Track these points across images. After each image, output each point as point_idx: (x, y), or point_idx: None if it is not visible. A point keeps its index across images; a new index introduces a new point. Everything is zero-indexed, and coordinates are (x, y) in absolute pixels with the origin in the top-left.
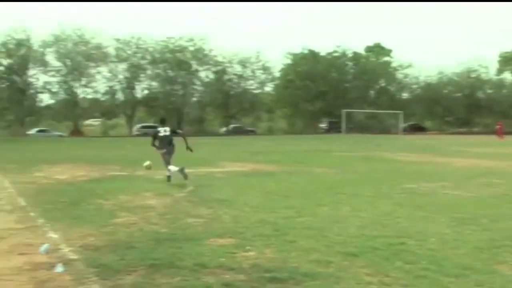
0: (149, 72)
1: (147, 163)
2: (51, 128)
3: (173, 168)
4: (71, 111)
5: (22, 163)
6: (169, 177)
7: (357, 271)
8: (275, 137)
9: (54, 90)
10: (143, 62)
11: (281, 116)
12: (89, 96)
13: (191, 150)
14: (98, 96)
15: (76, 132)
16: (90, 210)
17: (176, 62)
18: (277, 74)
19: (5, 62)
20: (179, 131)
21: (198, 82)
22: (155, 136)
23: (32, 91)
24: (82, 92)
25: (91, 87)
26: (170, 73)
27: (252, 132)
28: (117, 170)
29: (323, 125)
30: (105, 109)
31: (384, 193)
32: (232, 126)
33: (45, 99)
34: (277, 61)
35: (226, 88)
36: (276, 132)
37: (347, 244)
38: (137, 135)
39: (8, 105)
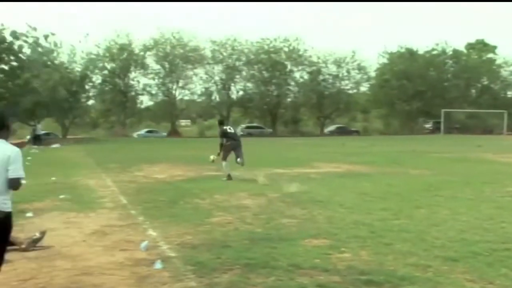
0: (244, 73)
1: (212, 156)
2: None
3: (240, 160)
4: (168, 112)
5: (123, 162)
6: (241, 163)
7: (457, 277)
8: (370, 138)
9: (153, 92)
10: (238, 63)
11: (377, 117)
12: (186, 98)
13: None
14: (195, 97)
15: (174, 132)
16: (187, 209)
17: (271, 63)
18: (373, 74)
19: (109, 66)
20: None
21: (292, 83)
22: (224, 135)
23: (132, 93)
24: (179, 94)
25: (188, 89)
26: (265, 74)
27: (356, 133)
28: (213, 170)
29: (428, 125)
30: (201, 110)
31: (486, 196)
32: (335, 126)
33: (145, 101)
34: (373, 61)
35: (321, 89)
36: (371, 133)
37: (447, 248)
38: (241, 135)
39: (111, 107)
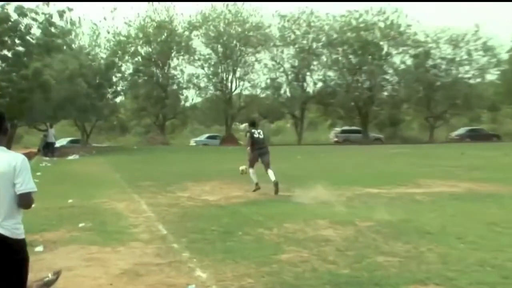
0: (324, 58)
1: (242, 167)
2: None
3: (271, 173)
4: (222, 111)
5: (161, 179)
6: (276, 183)
7: None
8: (503, 144)
9: (201, 84)
10: (316, 45)
11: (511, 115)
12: (246, 92)
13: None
14: (257, 91)
15: (229, 139)
16: (247, 242)
17: (361, 44)
18: (504, 56)
19: (143, 50)
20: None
21: (390, 71)
22: (252, 137)
23: (174, 86)
24: (237, 87)
25: (248, 80)
26: (352, 59)
27: (495, 138)
28: (283, 189)
29: None
30: (266, 108)
31: None
32: (466, 129)
33: (190, 97)
34: (504, 39)
35: (430, 78)
36: (504, 138)
37: None
38: (336, 142)
39: (145, 105)
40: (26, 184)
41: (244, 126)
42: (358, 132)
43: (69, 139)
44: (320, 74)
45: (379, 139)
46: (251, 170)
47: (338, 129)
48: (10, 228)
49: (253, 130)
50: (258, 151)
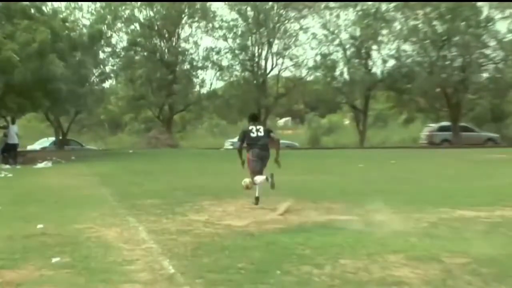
0: (397, 25)
1: (245, 181)
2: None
3: (260, 178)
4: (253, 101)
5: (167, 196)
6: (257, 199)
7: None
8: None
9: (223, 63)
10: (386, 7)
11: None
12: (286, 74)
13: (278, 165)
14: (302, 73)
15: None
16: (288, 286)
17: (451, 4)
18: None
19: (141, 15)
20: (274, 134)
21: (492, 43)
22: (244, 136)
23: (186, 65)
24: (273, 66)
25: (290, 57)
26: (438, 26)
27: None
28: (337, 210)
29: None
30: (315, 97)
31: None
32: None
33: (208, 80)
34: None
35: None
36: None
37: None
38: (430, 144)
39: (144, 92)
40: None
41: (284, 121)
42: (469, 130)
43: (51, 139)
44: (391, 48)
45: (492, 139)
46: (257, 177)
47: (433, 125)
48: None
49: (250, 127)
50: (256, 152)
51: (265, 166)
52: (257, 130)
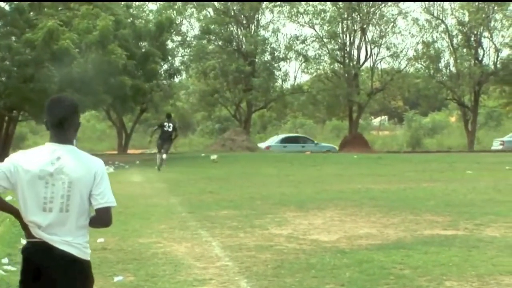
0: None
1: (213, 157)
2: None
3: (165, 156)
4: (345, 97)
5: (245, 207)
6: (160, 165)
7: None
8: None
9: (310, 53)
10: None
11: None
12: (382, 65)
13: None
14: (401, 65)
15: (355, 141)
16: None
17: None
18: None
19: None
20: (176, 132)
21: None
22: (160, 127)
23: (266, 57)
24: (367, 57)
25: (387, 46)
26: None
27: None
28: (441, 224)
29: None
30: (416, 92)
31: None
32: None
33: (292, 73)
34: None
35: None
36: None
37: None
38: None
39: (219, 86)
40: (107, 196)
41: (379, 120)
42: None
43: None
44: (506, 36)
45: None
46: (158, 155)
47: None
48: (81, 247)
49: (164, 123)
50: (162, 140)
51: (167, 148)
52: (168, 127)
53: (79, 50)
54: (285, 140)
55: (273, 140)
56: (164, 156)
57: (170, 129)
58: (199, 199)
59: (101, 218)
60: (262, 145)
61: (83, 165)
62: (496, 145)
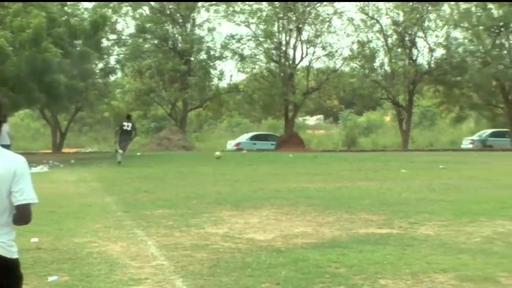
0: (446, 9)
1: (217, 153)
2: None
3: (121, 152)
4: (280, 96)
5: (181, 206)
6: (119, 162)
7: None
8: None
9: (246, 52)
10: None
11: None
12: (318, 65)
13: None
14: (337, 64)
15: (290, 139)
16: None
17: None
18: None
19: None
20: (134, 131)
21: None
22: (121, 127)
23: (202, 54)
24: (302, 56)
25: (322, 45)
26: (494, 10)
27: None
28: (376, 223)
29: None
30: (352, 91)
31: None
32: None
33: (227, 73)
34: None
35: None
36: None
37: None
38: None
39: (154, 86)
40: (27, 193)
41: (315, 120)
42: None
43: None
44: (440, 36)
45: None
46: (120, 151)
47: (488, 131)
48: (6, 246)
49: (124, 123)
50: (122, 137)
51: (126, 145)
52: (127, 126)
53: (12, 48)
54: (255, 138)
55: (243, 138)
56: (121, 152)
57: (129, 128)
58: (134, 198)
59: (20, 215)
60: (232, 142)
61: (3, 163)
62: (466, 143)
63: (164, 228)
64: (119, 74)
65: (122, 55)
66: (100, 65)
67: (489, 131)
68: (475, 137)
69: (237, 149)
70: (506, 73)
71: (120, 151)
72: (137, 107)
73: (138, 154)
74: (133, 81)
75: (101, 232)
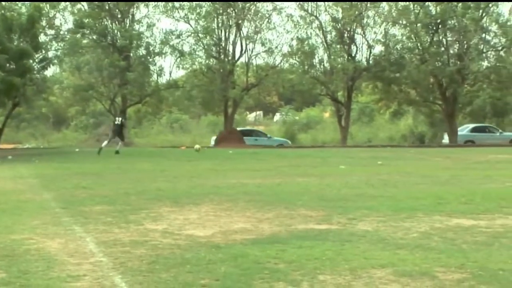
0: (384, 6)
1: (197, 146)
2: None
3: (105, 144)
4: (219, 92)
5: (120, 202)
6: (100, 149)
7: None
8: None
9: (186, 48)
10: None
11: None
12: (258, 61)
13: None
14: (276, 61)
15: (229, 136)
16: None
17: None
18: None
19: None
20: (124, 127)
21: (493, 27)
22: (113, 122)
23: (141, 50)
24: (242, 53)
25: (262, 42)
26: (432, 7)
27: None
28: (315, 219)
29: None
30: (291, 87)
31: None
32: None
33: (167, 69)
34: None
35: None
36: None
37: None
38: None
39: (93, 81)
40: None
41: (255, 116)
42: (489, 131)
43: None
44: (378, 32)
45: None
46: (105, 142)
47: (470, 125)
48: None
49: (116, 118)
50: (113, 132)
51: (117, 139)
52: (118, 120)
53: None
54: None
55: None
56: (120, 144)
57: (119, 122)
58: (73, 194)
59: None
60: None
61: None
62: (448, 138)
63: (102, 224)
64: (57, 69)
65: (60, 50)
66: (38, 60)
67: (471, 126)
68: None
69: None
70: (444, 70)
71: (120, 143)
72: (75, 102)
73: (77, 150)
74: (72, 76)
75: (39, 229)
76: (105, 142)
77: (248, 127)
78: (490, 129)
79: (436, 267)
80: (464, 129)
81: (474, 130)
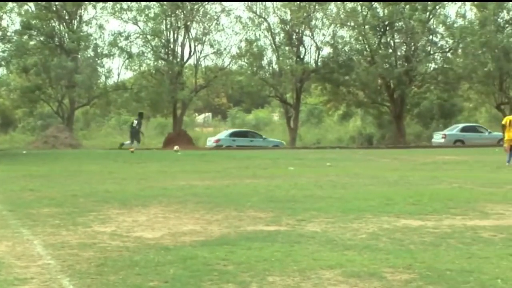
0: (333, 8)
1: (176, 147)
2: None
3: (136, 144)
4: (168, 93)
5: (68, 204)
6: (122, 144)
7: None
8: None
9: (134, 49)
10: None
11: None
12: (207, 63)
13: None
14: (225, 62)
15: (179, 138)
16: None
17: None
18: None
19: None
20: (137, 127)
21: (440, 29)
22: (131, 125)
23: (89, 52)
24: (191, 54)
25: (211, 43)
26: (380, 9)
27: None
28: (264, 220)
29: None
30: (240, 90)
31: None
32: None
33: (115, 70)
34: None
35: (505, 41)
36: None
37: None
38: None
39: (40, 83)
40: None
41: (203, 117)
42: (476, 131)
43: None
44: (327, 34)
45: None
46: (128, 142)
47: (459, 125)
48: None
49: (134, 120)
50: (131, 133)
51: (137, 138)
52: (134, 123)
53: None
54: (234, 134)
55: (223, 134)
56: (135, 144)
57: (135, 125)
58: (20, 196)
59: None
60: (212, 138)
61: None
62: (438, 138)
63: (50, 227)
64: (4, 70)
65: (7, 52)
66: None
67: (460, 125)
68: (447, 131)
69: (217, 145)
70: (392, 72)
71: (134, 143)
72: (23, 104)
73: (24, 152)
74: (19, 78)
75: None
76: (135, 144)
77: (244, 128)
78: (479, 129)
79: (384, 267)
80: (454, 129)
81: (463, 130)
